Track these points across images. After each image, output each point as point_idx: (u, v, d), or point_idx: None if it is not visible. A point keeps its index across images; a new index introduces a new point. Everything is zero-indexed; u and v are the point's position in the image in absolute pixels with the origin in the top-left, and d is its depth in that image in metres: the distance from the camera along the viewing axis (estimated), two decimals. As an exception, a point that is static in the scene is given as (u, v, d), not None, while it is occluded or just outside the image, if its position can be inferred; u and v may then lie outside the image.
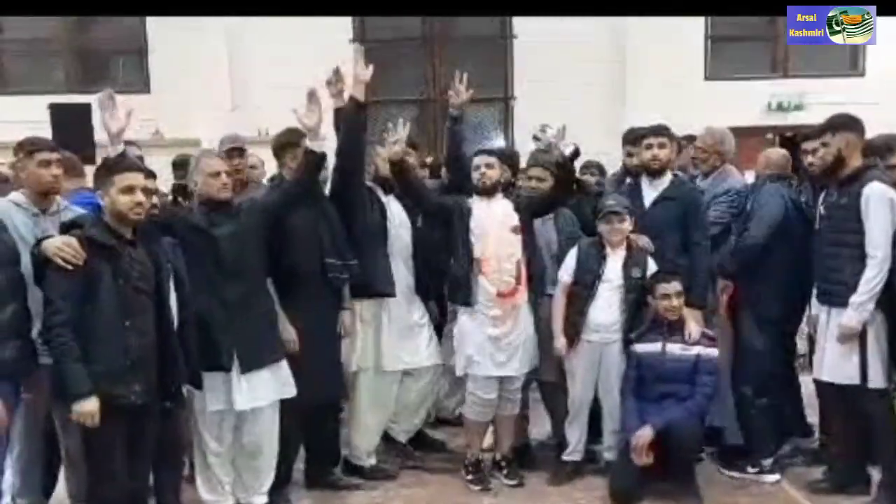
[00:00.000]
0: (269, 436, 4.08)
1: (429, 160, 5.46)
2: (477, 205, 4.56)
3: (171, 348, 3.42)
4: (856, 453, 4.32)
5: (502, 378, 4.51)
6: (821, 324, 4.21)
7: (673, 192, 4.67)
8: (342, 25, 10.34)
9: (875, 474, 4.27)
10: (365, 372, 4.62)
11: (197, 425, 3.95)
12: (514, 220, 4.53)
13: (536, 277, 4.63)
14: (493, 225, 4.49)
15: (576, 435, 4.68)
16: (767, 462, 4.60)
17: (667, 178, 4.71)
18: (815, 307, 4.30)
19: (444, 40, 10.72)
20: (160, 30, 10.31)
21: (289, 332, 4.15)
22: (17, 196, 3.61)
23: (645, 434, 4.23)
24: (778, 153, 5.00)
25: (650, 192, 4.71)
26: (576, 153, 4.63)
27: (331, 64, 10.43)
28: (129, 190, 3.27)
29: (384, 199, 4.67)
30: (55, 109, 8.17)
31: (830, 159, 4.10)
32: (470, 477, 4.63)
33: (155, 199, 3.77)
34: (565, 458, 4.71)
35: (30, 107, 8.28)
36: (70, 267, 3.11)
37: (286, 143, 4.49)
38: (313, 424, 4.50)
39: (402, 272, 4.63)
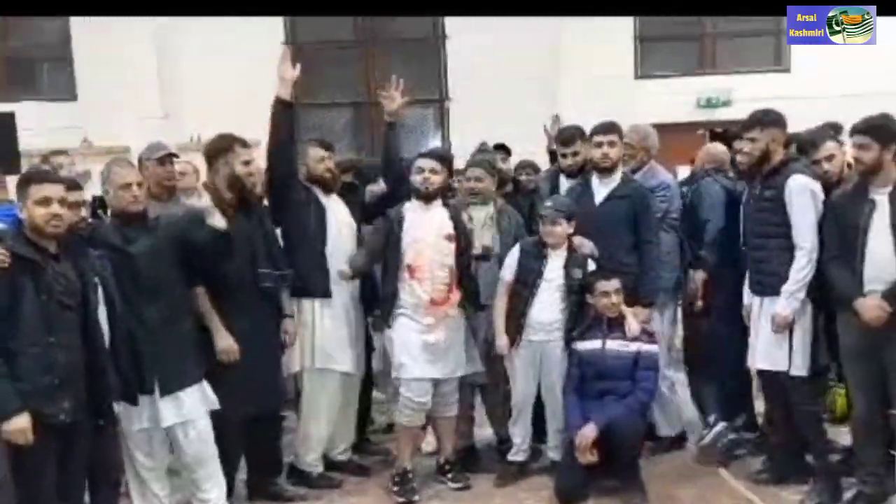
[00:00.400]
0: (206, 446, 3.96)
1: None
2: (412, 211, 4.53)
3: (99, 364, 3.32)
4: (794, 443, 4.40)
5: (436, 382, 4.50)
6: (753, 313, 4.29)
7: (623, 190, 4.69)
8: (274, 28, 10.21)
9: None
10: (308, 373, 4.56)
11: (127, 442, 3.84)
12: (450, 227, 4.52)
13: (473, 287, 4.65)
14: (428, 232, 4.47)
15: (520, 435, 4.68)
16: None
17: (617, 177, 4.72)
18: (747, 297, 4.37)
19: (376, 42, 10.67)
20: (85, 35, 10.06)
21: (225, 341, 4.06)
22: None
23: (588, 433, 4.24)
24: (718, 148, 5.19)
25: (601, 191, 4.72)
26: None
27: (263, 68, 10.32)
28: (45, 202, 3.17)
29: (323, 199, 4.60)
30: (-23, 119, 7.89)
31: (758, 154, 4.17)
32: (396, 489, 4.54)
33: (83, 212, 3.64)
34: (511, 458, 4.71)
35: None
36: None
37: (219, 148, 4.37)
38: (253, 435, 4.41)
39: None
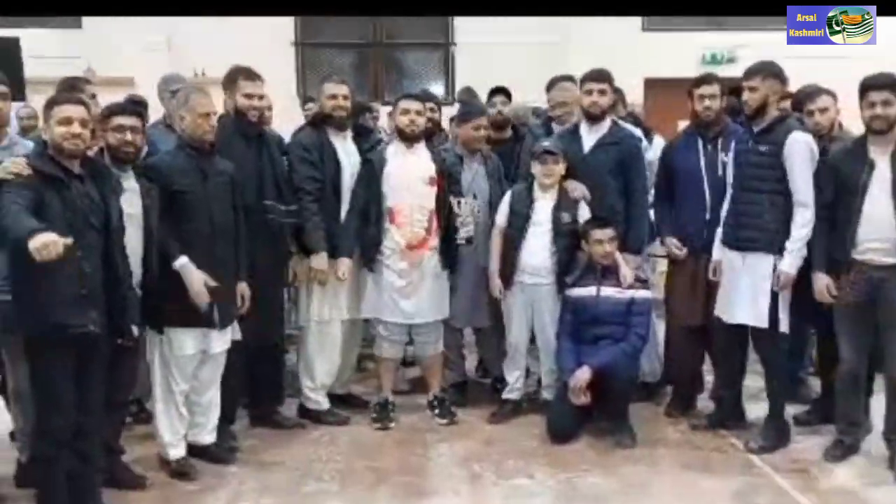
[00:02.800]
0: (217, 374, 4.15)
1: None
2: (395, 154, 4.60)
3: (120, 286, 3.41)
4: (737, 392, 4.61)
5: (413, 324, 4.64)
6: (732, 269, 4.32)
7: (611, 138, 4.75)
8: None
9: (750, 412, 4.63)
10: (317, 323, 4.67)
11: (169, 366, 3.97)
12: (432, 171, 4.60)
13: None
14: (409, 175, 4.55)
15: (514, 374, 4.84)
16: None
17: (606, 124, 4.78)
18: (718, 252, 4.42)
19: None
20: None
21: (244, 289, 4.16)
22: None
23: (582, 375, 4.37)
24: None
25: (589, 138, 4.78)
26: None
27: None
28: (67, 121, 3.24)
29: (335, 141, 4.61)
30: (-19, 43, 7.85)
31: (755, 104, 4.18)
32: (374, 415, 4.73)
33: (130, 136, 3.67)
34: (505, 396, 4.87)
35: (-45, 40, 7.91)
36: (22, 176, 3.10)
37: (227, 80, 4.43)
38: (255, 365, 4.54)
39: None
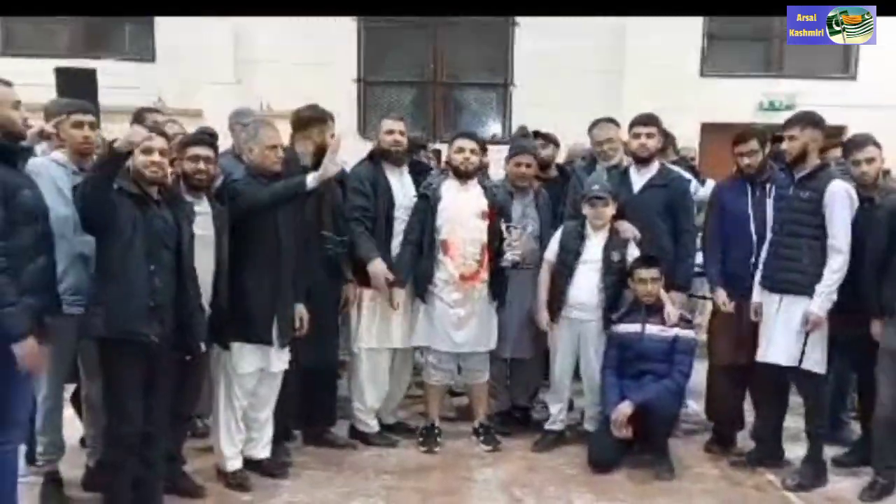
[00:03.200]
0: (274, 393, 4.38)
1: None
2: (449, 189, 4.80)
3: (189, 303, 3.67)
4: (776, 432, 4.69)
5: (461, 353, 4.81)
6: (769, 311, 4.44)
7: (661, 180, 4.91)
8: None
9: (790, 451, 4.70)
10: (367, 350, 4.88)
11: (230, 384, 4.21)
12: (484, 205, 4.80)
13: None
14: (463, 210, 4.75)
15: (557, 406, 4.98)
16: None
17: (654, 166, 4.95)
18: (757, 294, 4.53)
19: (446, 24, 10.88)
20: (168, 0, 10.44)
21: (302, 312, 4.39)
22: (57, 155, 3.83)
23: (625, 409, 4.50)
24: None
25: (638, 180, 4.95)
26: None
27: (330, 43, 10.62)
28: (148, 151, 3.52)
29: (391, 176, 4.82)
30: (61, 73, 8.26)
31: (795, 152, 4.33)
32: (420, 439, 4.92)
33: (203, 165, 3.95)
34: (548, 427, 5.00)
35: (36, 70, 8.35)
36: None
37: (313, 118, 4.70)
38: (310, 386, 4.76)
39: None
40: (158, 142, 3.57)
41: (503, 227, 4.81)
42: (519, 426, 5.26)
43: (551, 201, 5.24)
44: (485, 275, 4.79)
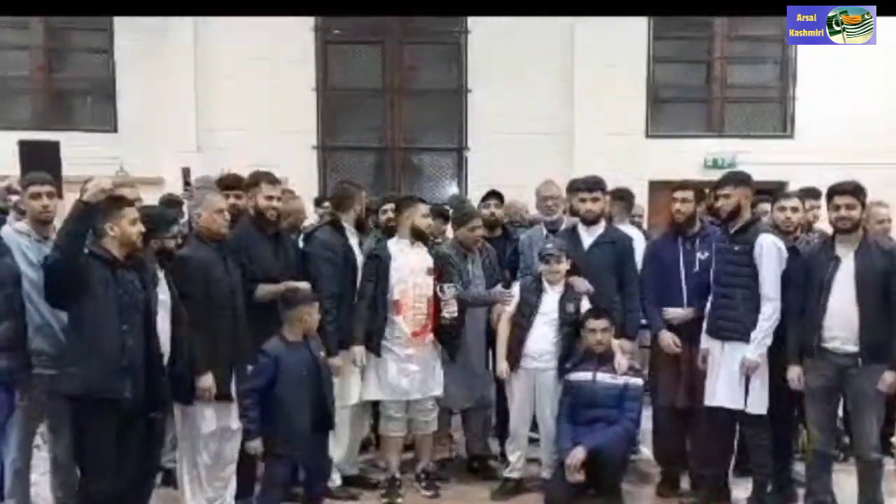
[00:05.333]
0: (236, 449, 4.49)
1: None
2: (398, 250, 5.06)
3: (156, 362, 3.84)
4: (722, 472, 4.92)
5: (410, 402, 5.03)
6: (713, 356, 4.71)
7: (609, 237, 5.21)
8: (306, 73, 10.80)
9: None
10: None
11: (193, 442, 4.33)
12: (429, 262, 5.08)
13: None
14: (412, 269, 5.02)
15: (516, 455, 5.15)
16: None
17: (601, 226, 5.25)
18: (705, 341, 4.80)
19: (403, 91, 11.23)
20: (128, 71, 10.65)
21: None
22: (21, 225, 4.03)
23: (578, 454, 4.70)
24: None
25: (587, 238, 5.24)
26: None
27: (293, 110, 10.87)
28: (135, 221, 3.76)
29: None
30: (24, 146, 8.38)
31: (730, 209, 4.65)
32: (383, 491, 5.08)
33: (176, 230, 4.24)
34: (506, 475, 5.18)
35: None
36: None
37: (249, 183, 4.91)
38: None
39: None
40: (135, 212, 3.81)
41: (437, 287, 5.06)
42: (474, 475, 5.45)
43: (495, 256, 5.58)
44: (431, 326, 5.04)
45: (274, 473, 4.33)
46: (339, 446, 5.08)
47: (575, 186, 5.51)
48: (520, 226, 6.26)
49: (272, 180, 4.86)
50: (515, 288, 5.16)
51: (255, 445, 4.23)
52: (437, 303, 5.04)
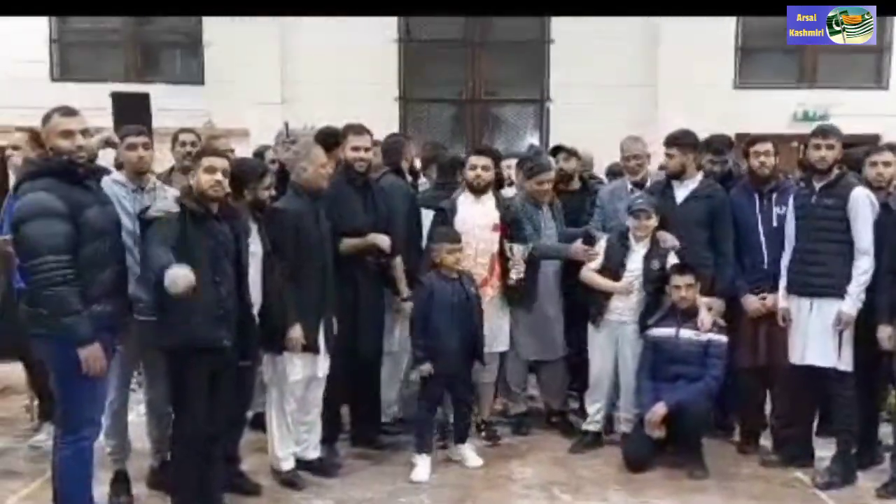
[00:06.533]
0: (320, 396, 4.64)
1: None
2: (464, 202, 5.07)
3: (247, 312, 3.97)
4: (806, 431, 4.87)
5: None
6: (799, 313, 4.62)
7: (703, 191, 5.09)
8: (388, 25, 10.81)
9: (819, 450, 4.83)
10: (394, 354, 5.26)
11: (281, 389, 4.47)
12: (496, 218, 5.06)
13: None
14: (475, 223, 5.02)
15: (595, 406, 5.17)
16: None
17: (697, 179, 5.12)
18: (784, 300, 4.71)
19: (483, 43, 11.15)
20: (215, 25, 10.81)
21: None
22: (117, 175, 4.15)
23: (659, 410, 4.70)
24: None
25: (681, 192, 5.13)
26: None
27: (375, 62, 10.89)
28: (212, 170, 3.82)
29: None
30: (117, 97, 8.64)
31: (830, 162, 4.54)
32: (483, 434, 5.24)
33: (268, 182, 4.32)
34: (585, 427, 5.21)
35: (92, 94, 8.73)
36: (172, 214, 3.71)
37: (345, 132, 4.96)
38: (356, 388, 5.07)
39: None
40: (220, 162, 3.87)
41: (507, 246, 5.05)
42: (553, 429, 5.49)
43: (574, 210, 5.55)
44: (494, 282, 5.06)
45: (429, 391, 4.79)
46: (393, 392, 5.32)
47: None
48: (600, 182, 6.16)
49: (359, 130, 4.89)
50: (600, 244, 5.11)
51: (427, 368, 4.68)
52: (503, 261, 5.05)
